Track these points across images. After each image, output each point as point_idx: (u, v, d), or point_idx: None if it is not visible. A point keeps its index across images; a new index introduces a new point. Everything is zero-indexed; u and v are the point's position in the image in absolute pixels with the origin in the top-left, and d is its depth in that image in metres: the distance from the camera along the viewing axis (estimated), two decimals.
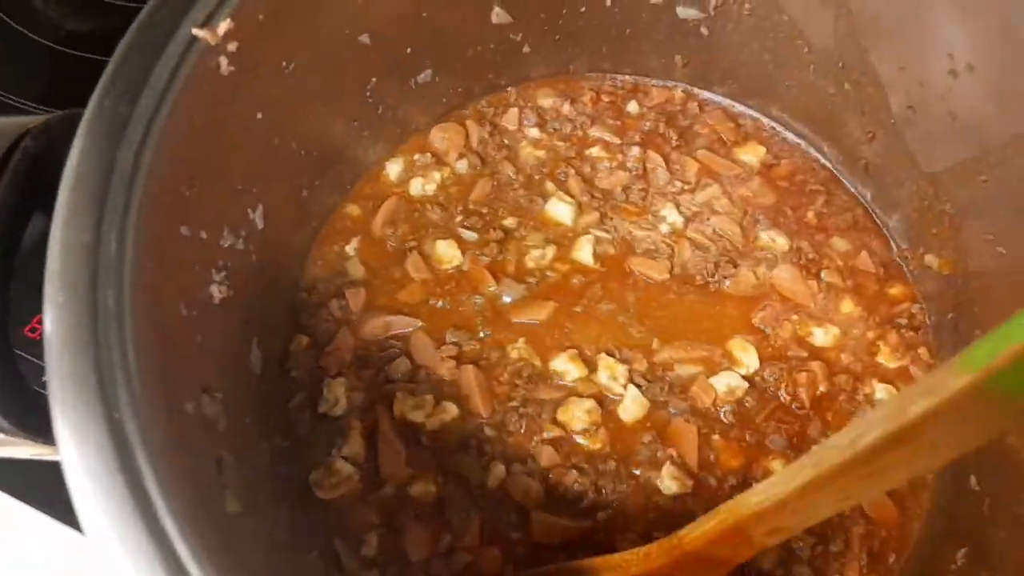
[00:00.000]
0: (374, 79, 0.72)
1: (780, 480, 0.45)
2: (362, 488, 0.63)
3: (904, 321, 0.71)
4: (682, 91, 0.85)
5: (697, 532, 0.52)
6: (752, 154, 0.81)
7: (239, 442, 0.55)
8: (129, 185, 0.46)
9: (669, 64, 0.83)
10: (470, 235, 0.74)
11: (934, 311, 0.71)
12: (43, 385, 0.70)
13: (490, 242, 0.74)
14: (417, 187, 0.77)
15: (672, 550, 0.54)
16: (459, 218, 0.75)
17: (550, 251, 0.74)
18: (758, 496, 0.47)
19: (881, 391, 0.68)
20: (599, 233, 0.75)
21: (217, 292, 0.57)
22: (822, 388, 0.68)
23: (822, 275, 0.73)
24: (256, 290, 0.63)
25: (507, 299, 0.71)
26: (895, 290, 0.74)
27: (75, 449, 0.39)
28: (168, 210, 0.50)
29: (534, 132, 0.82)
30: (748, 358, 0.69)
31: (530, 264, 0.73)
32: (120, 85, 0.48)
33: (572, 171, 0.79)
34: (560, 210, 0.76)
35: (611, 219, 0.76)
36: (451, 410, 0.65)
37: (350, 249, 0.74)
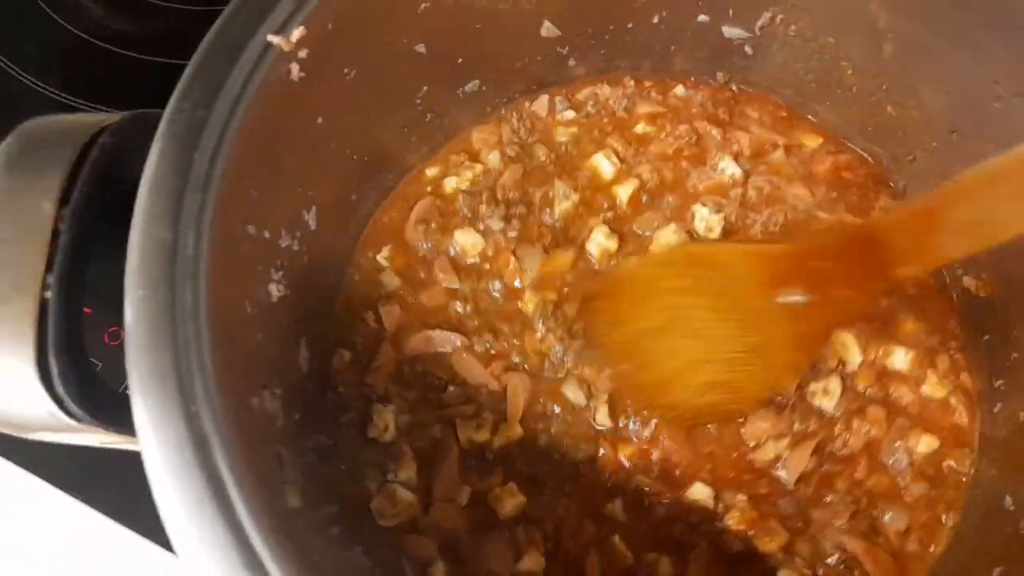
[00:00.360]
0: (425, 87, 0.74)
1: (976, 167, 0.50)
2: (421, 514, 0.64)
3: (953, 343, 0.71)
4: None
5: (893, 215, 0.57)
6: (810, 141, 0.79)
7: (292, 438, 0.56)
8: (204, 186, 0.48)
9: (711, 81, 0.84)
10: (496, 224, 0.74)
11: (970, 332, 0.72)
12: None
13: (512, 218, 0.74)
14: (451, 185, 0.78)
15: (854, 231, 0.59)
16: (484, 206, 0.75)
17: (577, 197, 0.74)
18: (955, 181, 0.51)
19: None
20: (647, 174, 0.74)
21: (275, 291, 0.58)
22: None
23: None
24: (305, 290, 0.65)
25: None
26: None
27: (155, 442, 0.41)
28: (238, 210, 0.51)
29: (568, 114, 0.81)
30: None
31: (563, 207, 0.73)
32: (198, 89, 0.50)
33: (614, 140, 0.78)
34: (604, 164, 0.75)
35: (663, 167, 0.74)
36: (516, 430, 0.66)
37: (382, 259, 0.74)
